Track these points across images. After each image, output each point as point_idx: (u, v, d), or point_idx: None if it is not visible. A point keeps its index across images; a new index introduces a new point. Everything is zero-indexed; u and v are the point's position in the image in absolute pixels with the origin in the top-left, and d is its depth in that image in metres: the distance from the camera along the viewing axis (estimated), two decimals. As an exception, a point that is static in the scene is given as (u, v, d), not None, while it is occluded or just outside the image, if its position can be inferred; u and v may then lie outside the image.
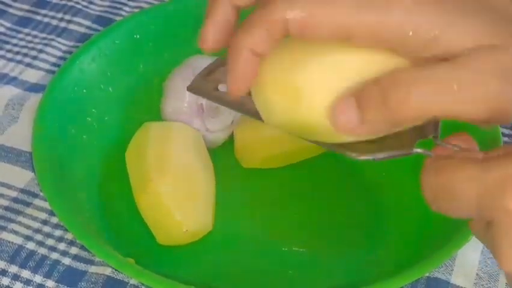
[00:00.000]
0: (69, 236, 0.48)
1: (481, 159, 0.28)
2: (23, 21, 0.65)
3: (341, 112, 0.31)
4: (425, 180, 0.30)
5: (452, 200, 0.29)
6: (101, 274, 0.45)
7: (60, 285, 0.45)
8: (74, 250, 0.47)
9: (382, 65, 0.31)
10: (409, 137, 0.33)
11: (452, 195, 0.28)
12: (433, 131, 0.33)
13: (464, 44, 0.29)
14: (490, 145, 0.39)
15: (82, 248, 0.47)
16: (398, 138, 0.33)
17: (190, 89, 0.40)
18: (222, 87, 0.39)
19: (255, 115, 0.36)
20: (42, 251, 0.47)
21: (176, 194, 0.46)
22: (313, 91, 0.32)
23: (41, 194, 0.50)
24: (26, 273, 0.46)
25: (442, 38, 0.29)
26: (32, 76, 0.60)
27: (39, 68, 0.61)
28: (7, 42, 0.63)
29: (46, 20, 0.65)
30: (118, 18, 0.66)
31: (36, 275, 0.45)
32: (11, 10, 0.67)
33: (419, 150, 0.33)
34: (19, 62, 0.61)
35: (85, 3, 0.67)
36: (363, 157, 0.33)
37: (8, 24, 0.65)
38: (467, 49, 0.29)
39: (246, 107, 0.37)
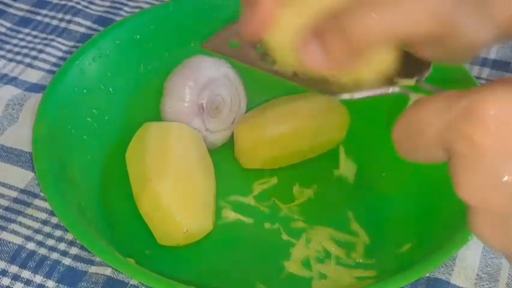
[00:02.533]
0: (69, 236, 0.48)
1: (449, 94, 0.28)
2: (23, 22, 0.65)
3: (305, 48, 0.32)
4: (395, 125, 0.31)
5: (418, 137, 0.29)
6: (101, 274, 0.45)
7: (60, 285, 0.45)
8: (74, 250, 0.47)
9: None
10: (390, 79, 0.34)
11: (418, 131, 0.29)
12: (417, 74, 0.34)
13: None
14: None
15: (82, 248, 0.47)
16: (380, 81, 0.34)
17: (206, 46, 0.40)
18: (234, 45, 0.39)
19: (273, 72, 0.37)
20: (43, 251, 0.47)
21: (176, 194, 0.46)
22: (288, 31, 0.33)
23: (41, 194, 0.50)
24: (26, 274, 0.46)
25: None
26: (32, 76, 0.60)
27: (40, 68, 0.61)
28: (7, 43, 0.63)
29: (46, 20, 0.66)
30: (118, 18, 0.66)
31: (36, 275, 0.45)
32: (11, 10, 0.67)
33: (396, 89, 0.34)
34: (19, 62, 0.61)
35: (85, 4, 0.67)
36: (342, 96, 0.34)
37: (8, 25, 0.65)
38: None
39: (262, 65, 0.38)
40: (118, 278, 0.45)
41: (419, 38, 0.32)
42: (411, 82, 0.35)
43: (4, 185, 0.51)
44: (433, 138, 0.28)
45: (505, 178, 0.26)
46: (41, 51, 0.62)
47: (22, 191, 0.51)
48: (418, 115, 0.29)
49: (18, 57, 0.61)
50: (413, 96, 0.33)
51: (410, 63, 0.35)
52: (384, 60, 0.33)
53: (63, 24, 0.65)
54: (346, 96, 0.34)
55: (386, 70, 0.34)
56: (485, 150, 0.26)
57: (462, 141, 0.27)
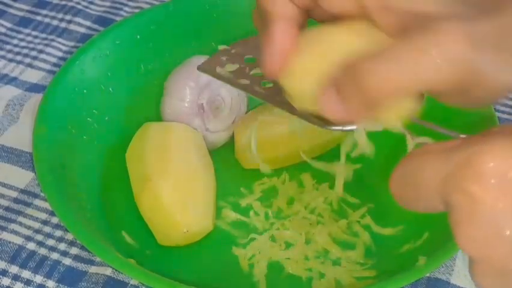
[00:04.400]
0: (69, 236, 0.48)
1: (448, 145, 0.28)
2: (24, 22, 0.65)
3: (324, 98, 0.31)
4: (392, 175, 0.30)
5: (416, 188, 0.29)
6: (101, 274, 0.45)
7: (60, 285, 0.45)
8: (74, 250, 0.47)
9: (362, 46, 0.31)
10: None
11: (417, 183, 0.29)
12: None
13: (436, 9, 0.30)
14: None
15: (82, 248, 0.47)
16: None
17: (200, 69, 0.40)
18: (229, 67, 0.39)
19: (265, 98, 0.37)
20: (43, 251, 0.47)
21: (177, 194, 0.46)
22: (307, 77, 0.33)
23: (42, 194, 0.50)
24: (26, 274, 0.46)
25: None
26: (33, 76, 0.60)
27: (40, 69, 0.61)
28: (8, 43, 0.63)
29: (47, 20, 0.66)
30: (118, 18, 0.66)
31: (36, 275, 0.45)
32: (11, 10, 0.67)
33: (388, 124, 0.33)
34: (19, 62, 0.61)
35: (85, 4, 0.67)
36: (332, 128, 0.34)
37: (9, 25, 0.65)
38: (438, 16, 0.30)
39: (255, 89, 0.38)
40: (118, 278, 0.45)
41: (441, 87, 0.30)
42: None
43: (4, 185, 0.51)
44: (432, 191, 0.28)
45: (507, 232, 0.26)
46: (41, 51, 0.62)
47: (22, 191, 0.51)
48: (416, 167, 0.29)
49: (19, 58, 0.61)
50: (410, 140, 0.33)
51: None
52: (405, 106, 0.32)
53: (63, 25, 0.65)
54: (337, 128, 0.34)
55: (408, 115, 0.33)
56: (485, 204, 0.26)
57: (461, 195, 0.27)
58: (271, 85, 0.38)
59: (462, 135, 0.30)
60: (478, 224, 0.27)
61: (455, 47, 0.29)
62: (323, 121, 0.34)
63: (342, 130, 0.34)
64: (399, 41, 0.30)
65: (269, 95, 0.37)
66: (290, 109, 0.35)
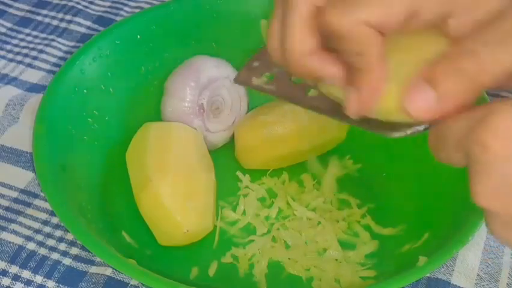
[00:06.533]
0: (69, 236, 0.48)
1: (474, 108, 0.29)
2: (24, 22, 0.65)
3: (414, 97, 0.30)
4: (430, 132, 0.32)
5: (445, 142, 0.30)
6: (101, 274, 0.45)
7: (60, 285, 0.45)
8: (74, 250, 0.47)
9: (436, 49, 0.31)
10: None
11: (446, 137, 0.30)
12: None
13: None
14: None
15: (83, 248, 0.47)
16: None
17: (237, 81, 0.39)
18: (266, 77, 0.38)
19: (314, 108, 0.35)
20: (43, 251, 0.47)
21: (177, 194, 0.46)
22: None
23: (42, 194, 0.50)
24: (26, 274, 0.46)
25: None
26: (33, 76, 0.60)
27: (40, 69, 0.61)
28: (8, 43, 0.63)
29: (47, 20, 0.66)
30: (118, 18, 0.66)
31: (36, 275, 0.45)
32: (11, 10, 0.67)
33: None
34: (20, 62, 0.61)
35: (85, 4, 0.67)
36: (396, 134, 0.33)
37: (9, 25, 0.65)
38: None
39: (301, 99, 0.36)
40: (118, 278, 0.45)
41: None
42: None
43: (4, 185, 0.51)
44: (456, 144, 0.29)
45: None
46: (41, 51, 0.62)
47: (22, 191, 0.51)
48: (447, 125, 0.30)
49: (19, 58, 0.61)
50: None
51: None
52: None
53: (63, 25, 0.65)
54: (397, 134, 0.33)
55: None
56: (497, 155, 0.27)
57: (476, 146, 0.28)
58: (316, 93, 0.36)
59: None
60: (491, 175, 0.28)
61: None
62: (380, 126, 0.33)
63: (405, 135, 0.33)
64: (491, 28, 0.30)
65: (317, 104, 0.35)
66: (343, 117, 0.34)
